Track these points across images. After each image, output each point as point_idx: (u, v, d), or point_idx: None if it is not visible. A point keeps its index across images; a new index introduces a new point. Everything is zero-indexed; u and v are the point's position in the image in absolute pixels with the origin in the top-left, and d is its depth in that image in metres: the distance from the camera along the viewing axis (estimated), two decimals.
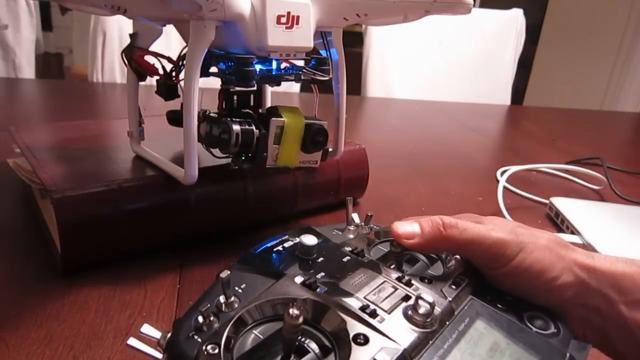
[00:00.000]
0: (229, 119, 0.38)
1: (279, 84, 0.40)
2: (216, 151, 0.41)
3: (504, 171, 0.71)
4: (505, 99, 1.54)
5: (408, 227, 0.31)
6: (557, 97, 2.65)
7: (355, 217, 0.36)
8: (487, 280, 0.31)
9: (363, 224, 0.35)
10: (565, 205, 0.59)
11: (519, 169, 0.72)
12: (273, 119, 0.38)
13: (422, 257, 0.33)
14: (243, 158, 0.40)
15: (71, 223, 0.37)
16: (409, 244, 0.30)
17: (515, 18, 1.50)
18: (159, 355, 0.23)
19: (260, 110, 0.44)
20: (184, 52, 0.38)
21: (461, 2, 0.42)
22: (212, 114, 0.40)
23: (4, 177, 0.54)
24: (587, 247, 0.51)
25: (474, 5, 0.44)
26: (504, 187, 0.66)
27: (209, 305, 0.24)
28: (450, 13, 0.43)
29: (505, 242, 0.29)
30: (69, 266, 0.39)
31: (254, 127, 0.38)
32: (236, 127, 0.37)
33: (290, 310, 0.21)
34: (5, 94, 1.03)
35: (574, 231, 0.54)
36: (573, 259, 0.29)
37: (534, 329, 0.27)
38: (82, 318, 0.34)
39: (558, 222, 0.59)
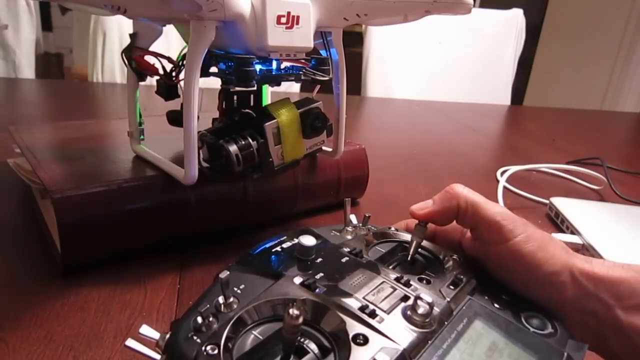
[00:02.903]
0: (224, 140, 0.37)
1: (279, 84, 0.40)
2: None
3: (504, 171, 0.71)
4: (505, 99, 1.54)
5: (422, 203, 0.34)
6: (557, 97, 2.65)
7: (352, 218, 0.36)
8: (488, 265, 0.31)
9: (361, 224, 0.35)
10: (565, 205, 0.59)
11: (519, 169, 0.72)
12: (266, 124, 0.38)
13: (420, 257, 0.33)
14: (251, 168, 0.40)
15: (71, 223, 0.37)
16: (423, 213, 0.33)
17: (515, 18, 1.50)
18: (158, 357, 0.23)
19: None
20: (184, 52, 0.38)
21: (461, 2, 0.42)
22: (208, 138, 0.39)
23: (4, 177, 0.54)
24: (587, 247, 0.51)
25: (474, 5, 0.44)
26: (504, 187, 0.66)
27: (208, 305, 0.24)
28: (450, 13, 0.43)
29: (511, 216, 0.30)
30: (69, 266, 0.39)
31: (250, 140, 0.38)
32: (233, 148, 0.37)
33: (290, 311, 0.21)
34: (5, 94, 1.03)
35: (574, 231, 0.54)
36: (573, 263, 0.29)
37: (532, 328, 0.27)
38: (82, 318, 0.34)
39: (558, 222, 0.59)
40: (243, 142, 0.38)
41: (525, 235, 0.29)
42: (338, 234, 0.34)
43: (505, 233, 0.29)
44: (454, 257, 0.32)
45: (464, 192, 0.32)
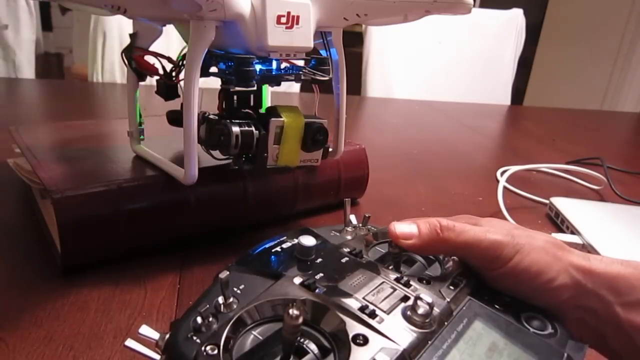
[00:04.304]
0: (228, 120, 0.38)
1: (279, 84, 0.40)
2: (216, 152, 0.41)
3: (504, 171, 0.71)
4: (505, 99, 1.54)
5: (406, 228, 0.31)
6: (557, 97, 2.65)
7: (352, 218, 0.36)
8: (485, 281, 0.31)
9: (361, 225, 0.35)
10: (565, 205, 0.59)
11: (519, 169, 0.72)
12: (272, 119, 0.39)
13: (419, 258, 0.33)
14: (243, 159, 0.40)
15: (71, 223, 0.37)
16: (406, 244, 0.31)
17: (515, 18, 1.50)
18: (157, 357, 0.23)
19: (260, 110, 0.44)
20: (184, 52, 0.38)
21: (461, 2, 0.42)
22: (211, 116, 0.40)
23: (4, 177, 0.54)
24: (587, 247, 0.51)
25: (474, 5, 0.44)
26: (504, 187, 0.65)
27: (207, 306, 0.24)
28: (450, 13, 0.43)
29: (502, 243, 0.29)
30: (69, 266, 0.39)
31: (253, 128, 0.38)
32: (235, 129, 0.37)
33: (290, 311, 0.21)
34: (5, 94, 1.03)
35: (574, 231, 0.54)
36: (569, 261, 0.29)
37: (532, 329, 0.27)
38: (82, 318, 0.34)
39: (558, 222, 0.59)
40: (246, 128, 0.38)
41: (518, 256, 0.29)
42: (338, 234, 0.34)
43: (499, 261, 0.29)
44: (454, 257, 0.32)
45: (453, 237, 0.30)
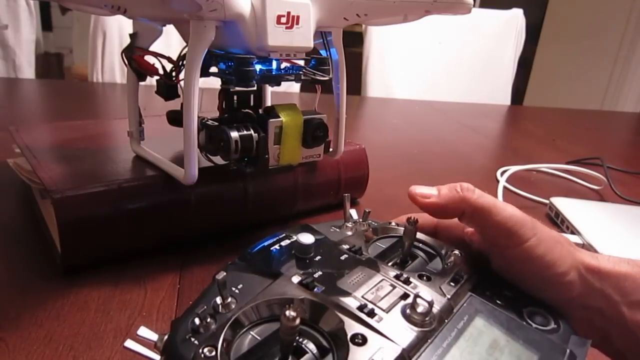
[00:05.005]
0: (226, 126, 0.37)
1: (279, 84, 0.40)
2: (216, 158, 0.41)
3: (504, 171, 0.71)
4: (505, 99, 1.54)
5: (425, 189, 0.32)
6: (557, 97, 2.65)
7: (353, 213, 0.35)
8: (495, 265, 0.30)
9: (361, 220, 0.35)
10: (565, 205, 0.59)
11: (519, 169, 0.72)
12: (271, 120, 0.39)
13: (420, 253, 0.33)
14: (245, 161, 0.40)
15: (71, 223, 0.37)
16: (424, 202, 0.31)
17: (515, 18, 1.50)
18: (157, 357, 0.23)
19: (260, 111, 0.44)
20: (184, 52, 0.38)
21: (461, 2, 0.42)
22: (209, 122, 0.40)
23: (4, 177, 0.54)
24: (587, 247, 0.51)
25: (474, 5, 0.44)
26: (504, 187, 0.66)
27: (205, 306, 0.24)
28: (450, 13, 0.43)
29: (521, 219, 0.29)
30: (69, 266, 0.39)
31: (252, 131, 0.38)
32: (234, 134, 0.37)
33: (287, 312, 0.20)
34: (5, 94, 1.03)
35: (574, 231, 0.54)
36: (580, 259, 0.28)
37: (534, 325, 0.27)
38: (82, 318, 0.34)
39: (558, 222, 0.59)
40: (244, 132, 0.38)
41: (535, 239, 0.28)
42: (337, 230, 0.34)
43: (515, 238, 0.28)
44: (456, 252, 0.31)
45: (474, 197, 0.30)
